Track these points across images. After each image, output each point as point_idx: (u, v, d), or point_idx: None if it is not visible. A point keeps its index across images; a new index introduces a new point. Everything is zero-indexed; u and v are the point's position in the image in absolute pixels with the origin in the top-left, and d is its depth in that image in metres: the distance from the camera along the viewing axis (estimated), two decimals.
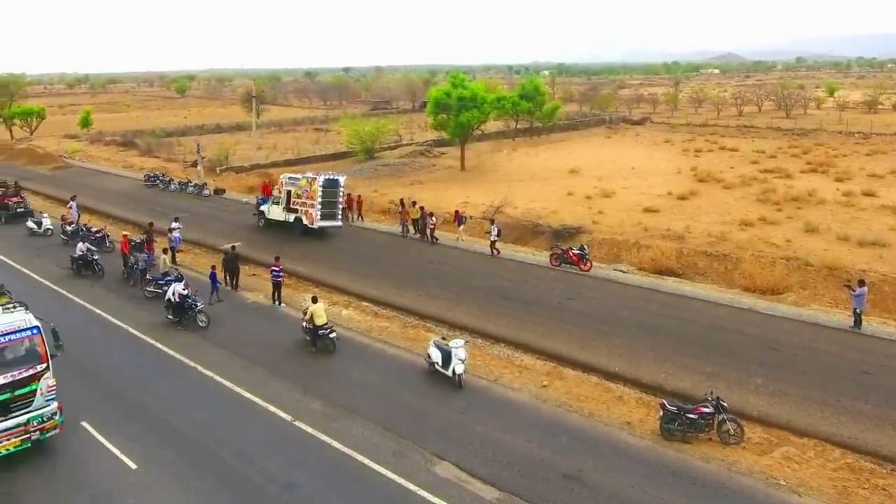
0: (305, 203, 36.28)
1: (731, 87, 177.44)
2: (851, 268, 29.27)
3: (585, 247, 30.20)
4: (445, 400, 18.16)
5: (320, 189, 35.85)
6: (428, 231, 35.75)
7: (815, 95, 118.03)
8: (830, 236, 36.03)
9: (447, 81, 59.72)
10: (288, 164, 61.31)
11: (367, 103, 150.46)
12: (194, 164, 58.37)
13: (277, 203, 37.78)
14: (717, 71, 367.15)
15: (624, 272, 29.03)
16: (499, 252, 32.06)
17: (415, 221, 37.17)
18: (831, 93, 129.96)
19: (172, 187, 48.56)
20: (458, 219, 35.92)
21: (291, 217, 36.97)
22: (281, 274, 26.17)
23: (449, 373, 18.72)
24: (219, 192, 46.10)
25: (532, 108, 77.21)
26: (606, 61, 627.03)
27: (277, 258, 26.76)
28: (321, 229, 36.27)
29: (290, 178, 38.37)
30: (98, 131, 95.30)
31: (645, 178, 54.67)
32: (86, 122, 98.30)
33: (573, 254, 29.60)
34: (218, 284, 26.56)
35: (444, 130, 59.76)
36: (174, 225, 32.78)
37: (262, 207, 39.05)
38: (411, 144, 71.29)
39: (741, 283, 28.80)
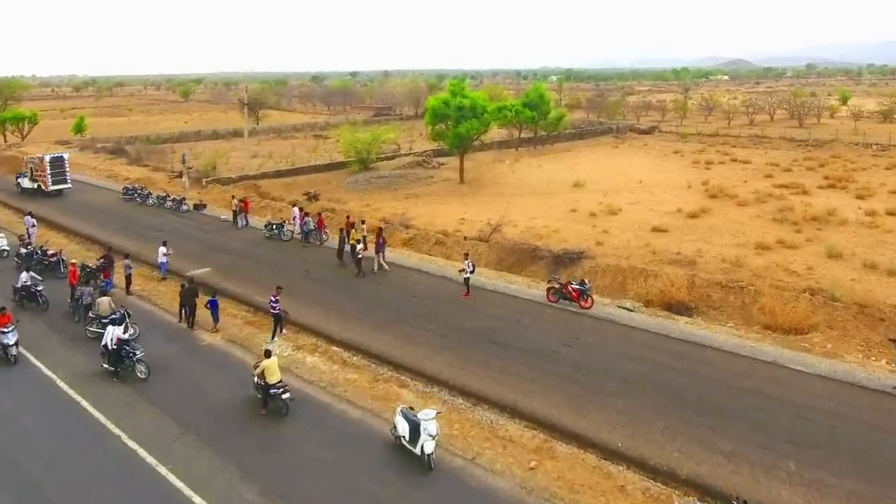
0: (42, 175, 50.87)
1: (741, 93, 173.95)
2: (884, 303, 26.09)
3: (586, 282, 26.83)
4: (411, 486, 14.97)
5: (48, 165, 50.72)
6: (354, 257, 30.86)
7: (829, 104, 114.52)
8: (856, 263, 32.91)
9: (446, 89, 56.76)
10: (278, 174, 58.43)
11: (371, 109, 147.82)
12: (180, 175, 55.62)
13: (27, 177, 52.36)
14: (726, 77, 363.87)
15: (630, 310, 25.75)
16: (467, 293, 27.75)
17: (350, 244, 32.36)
18: (844, 101, 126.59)
19: (150, 201, 45.69)
20: (378, 244, 31.49)
21: (36, 185, 51.40)
22: (278, 306, 23.43)
23: (417, 450, 15.59)
24: (199, 206, 43.16)
25: (536, 116, 74.21)
26: (616, 66, 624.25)
27: (279, 289, 23.95)
28: (58, 191, 50.71)
29: (29, 159, 53.93)
30: (91, 138, 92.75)
31: (653, 193, 51.61)
32: (79, 128, 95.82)
33: (572, 289, 26.23)
34: (217, 316, 24.16)
35: (443, 141, 56.83)
36: (162, 249, 30.07)
37: (19, 180, 53.27)
38: (410, 154, 68.36)
39: (760, 320, 25.67)
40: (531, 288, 29.00)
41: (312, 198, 50.44)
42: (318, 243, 36.27)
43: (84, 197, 50.03)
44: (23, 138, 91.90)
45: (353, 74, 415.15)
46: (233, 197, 41.25)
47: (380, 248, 31.41)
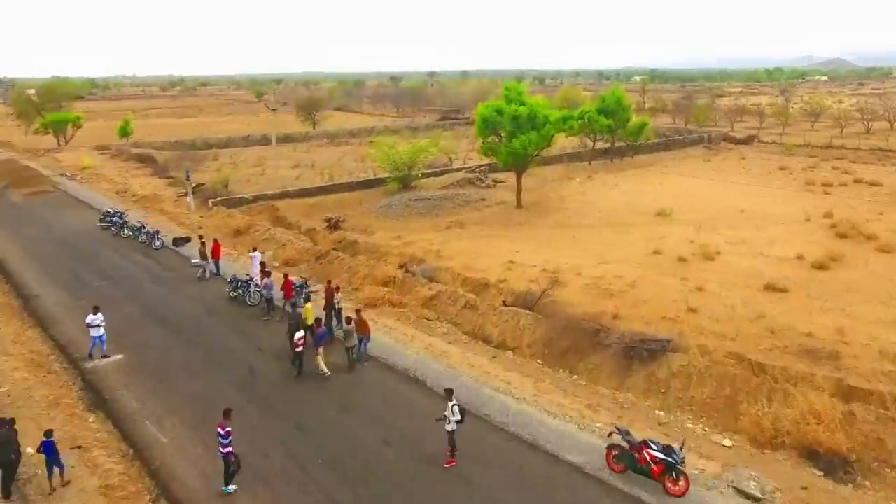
0: None
1: (844, 96, 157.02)
2: None
3: (677, 450, 15.29)
4: None
5: None
6: (293, 349, 21.08)
7: None
8: None
9: (500, 94, 46.99)
10: (304, 193, 49.74)
11: (438, 112, 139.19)
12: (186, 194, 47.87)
13: None
14: (825, 78, 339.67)
15: (757, 500, 14.85)
16: (452, 457, 16.52)
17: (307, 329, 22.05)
18: None
19: (126, 232, 37.58)
20: (319, 333, 21.44)
21: None
22: (229, 444, 15.01)
23: None
24: (179, 241, 34.51)
25: (613, 125, 63.40)
26: (703, 66, 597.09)
27: (228, 415, 15.36)
28: None
29: None
30: (133, 142, 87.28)
31: (761, 228, 40.53)
32: (125, 132, 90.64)
33: (652, 458, 15.22)
34: (60, 464, 15.18)
35: (495, 157, 47.08)
36: (90, 319, 21.47)
37: None
38: (462, 169, 58.77)
39: None
40: (583, 428, 18.00)
41: (333, 226, 41.71)
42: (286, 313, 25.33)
43: (63, 220, 42.34)
44: (66, 142, 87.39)
45: (432, 74, 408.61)
46: (199, 238, 32.16)
47: (321, 337, 21.30)
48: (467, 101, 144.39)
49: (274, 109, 62.68)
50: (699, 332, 25.26)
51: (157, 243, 34.86)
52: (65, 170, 64.05)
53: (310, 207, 47.42)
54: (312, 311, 22.99)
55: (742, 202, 47.43)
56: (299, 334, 20.56)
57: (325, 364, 20.89)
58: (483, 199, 49.12)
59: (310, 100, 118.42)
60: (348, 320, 21.20)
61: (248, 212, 44.97)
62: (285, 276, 26.11)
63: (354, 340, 20.80)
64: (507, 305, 26.34)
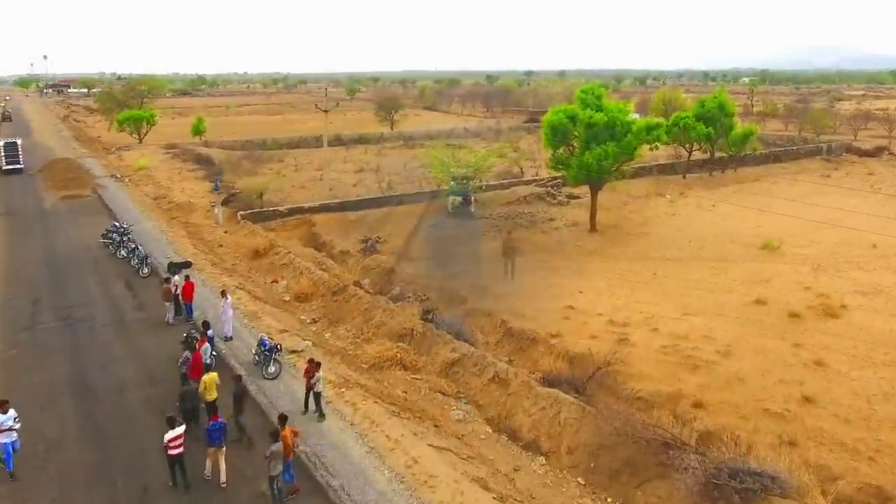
0: None
1: None
2: None
3: None
4: None
5: (2, 149, 59.07)
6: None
7: None
8: None
9: (576, 98, 39.84)
10: (346, 207, 43.97)
11: (524, 113, 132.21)
12: (225, 202, 43.35)
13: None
14: None
15: None
16: None
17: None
18: None
19: (122, 253, 32.51)
20: (211, 426, 15.00)
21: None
22: None
23: None
24: (178, 267, 29.02)
25: (713, 133, 54.77)
26: (819, 67, 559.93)
27: None
28: (12, 171, 57.92)
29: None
30: (204, 141, 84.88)
31: None
32: (198, 130, 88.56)
33: None
34: None
35: (565, 171, 39.98)
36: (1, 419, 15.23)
37: None
38: (533, 182, 51.73)
39: None
40: None
41: (369, 248, 35.92)
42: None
43: (75, 231, 37.48)
44: (139, 140, 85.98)
45: (528, 74, 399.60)
46: (166, 279, 25.35)
47: (213, 437, 14.98)
48: (558, 101, 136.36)
49: (326, 111, 57.21)
50: (818, 441, 17.89)
51: (145, 270, 29.71)
52: (119, 170, 61.32)
53: (351, 223, 41.72)
54: (215, 383, 16.81)
55: (873, 234, 38.40)
56: (172, 433, 14.14)
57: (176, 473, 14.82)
58: (551, 220, 42.11)
59: (388, 99, 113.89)
60: (275, 436, 14.08)
61: (281, 227, 39.84)
62: (192, 349, 18.72)
63: (279, 468, 14.01)
64: (546, 383, 19.59)
